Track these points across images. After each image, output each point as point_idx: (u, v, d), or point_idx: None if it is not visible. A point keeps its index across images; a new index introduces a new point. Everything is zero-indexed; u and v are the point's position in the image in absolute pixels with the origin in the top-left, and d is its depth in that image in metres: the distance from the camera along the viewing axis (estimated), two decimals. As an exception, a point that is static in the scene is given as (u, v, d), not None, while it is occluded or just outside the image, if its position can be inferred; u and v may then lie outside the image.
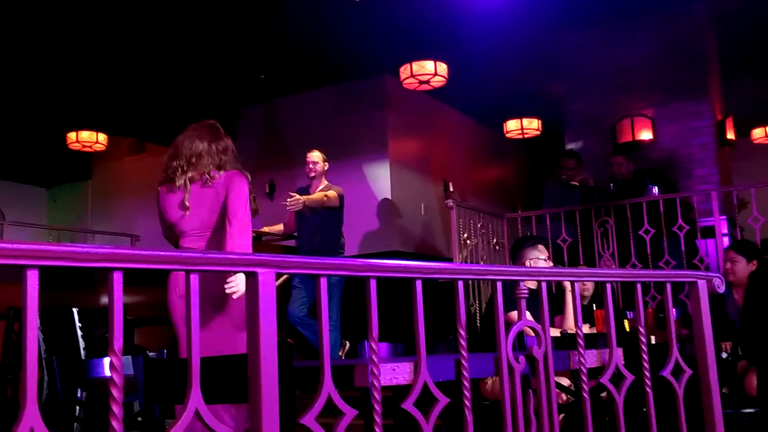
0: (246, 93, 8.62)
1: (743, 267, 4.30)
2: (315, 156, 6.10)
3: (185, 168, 3.32)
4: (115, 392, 1.13)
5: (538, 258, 4.02)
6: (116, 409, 1.13)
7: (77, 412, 3.66)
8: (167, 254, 1.20)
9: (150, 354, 2.51)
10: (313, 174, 6.08)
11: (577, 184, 6.73)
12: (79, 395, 3.62)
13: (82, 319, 4.34)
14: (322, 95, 8.57)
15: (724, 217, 6.22)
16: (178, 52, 7.24)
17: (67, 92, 7.83)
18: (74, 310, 4.33)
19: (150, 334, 5.87)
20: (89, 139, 8.50)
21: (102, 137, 8.59)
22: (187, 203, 3.28)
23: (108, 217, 10.37)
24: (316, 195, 5.91)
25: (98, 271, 1.14)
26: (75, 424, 3.21)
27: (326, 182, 6.14)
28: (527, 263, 3.97)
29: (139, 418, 2.30)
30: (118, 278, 1.17)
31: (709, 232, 6.06)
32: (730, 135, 7.31)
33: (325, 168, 6.13)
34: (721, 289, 2.32)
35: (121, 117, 8.54)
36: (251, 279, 1.33)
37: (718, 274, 2.34)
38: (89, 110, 8.25)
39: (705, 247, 6.19)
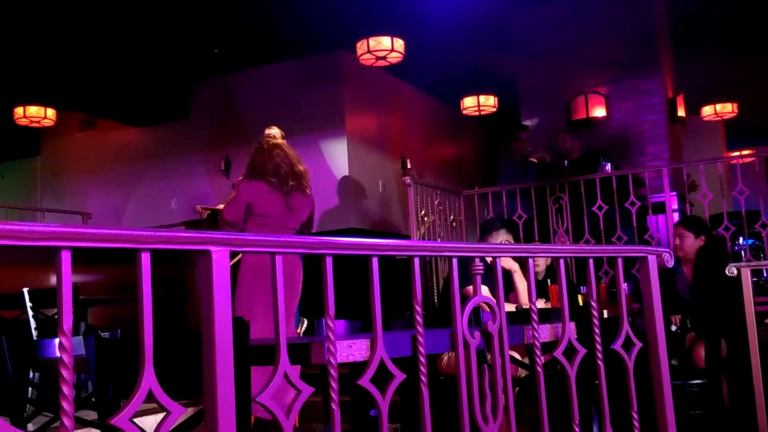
0: (199, 67, 8.47)
1: (691, 243, 4.39)
2: (272, 132, 6.00)
3: (292, 177, 4.33)
4: (65, 373, 1.11)
5: (509, 241, 4.10)
6: (66, 389, 1.11)
7: (29, 393, 3.60)
8: (116, 232, 1.18)
9: (104, 334, 2.47)
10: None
11: (535, 161, 6.80)
12: (31, 376, 3.56)
13: (33, 299, 4.25)
14: (278, 70, 8.47)
15: (675, 193, 6.36)
16: (129, 25, 7.06)
17: (13, 66, 7.58)
18: (25, 290, 4.24)
19: (104, 314, 5.78)
20: (37, 114, 8.26)
21: (51, 112, 8.35)
22: (293, 206, 4.30)
23: (58, 194, 10.12)
24: None
25: (45, 250, 1.11)
26: (27, 405, 3.16)
27: None
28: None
29: (93, 399, 2.27)
30: (66, 257, 1.14)
31: (660, 208, 6.19)
32: (681, 113, 7.46)
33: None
34: (671, 263, 2.37)
35: (71, 91, 8.31)
36: (205, 257, 1.32)
37: (667, 249, 2.39)
38: (37, 84, 8.01)
39: (656, 222, 6.32)
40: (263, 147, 4.47)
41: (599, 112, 7.30)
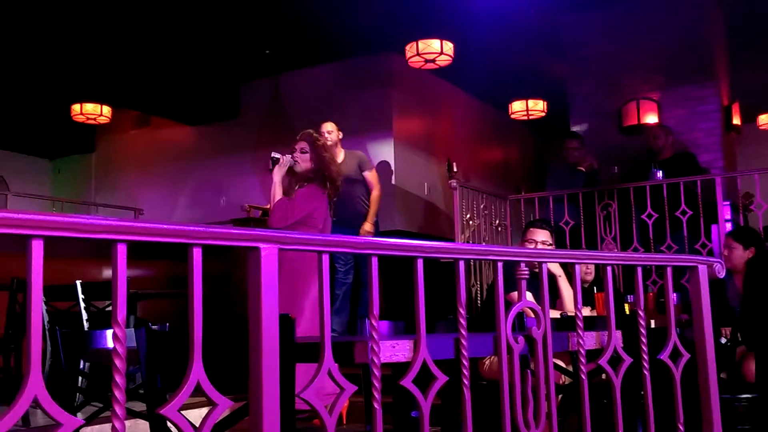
0: (250, 67, 8.59)
1: (740, 254, 4.30)
2: (328, 126, 6.25)
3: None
4: (118, 362, 1.14)
5: (532, 240, 4.04)
6: (119, 378, 1.14)
7: (80, 382, 3.70)
8: (171, 227, 1.21)
9: (153, 327, 2.53)
10: (329, 143, 6.21)
11: (584, 169, 6.70)
12: (81, 366, 3.66)
13: (85, 291, 4.37)
14: (327, 72, 8.54)
15: (728, 202, 6.21)
16: (184, 26, 7.20)
17: (72, 64, 7.80)
18: (78, 282, 4.36)
19: (153, 308, 5.90)
20: (93, 112, 8.49)
21: (106, 110, 8.57)
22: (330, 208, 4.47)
23: (111, 190, 10.38)
24: (372, 210, 6.19)
25: (102, 242, 1.15)
26: (77, 394, 3.25)
27: (344, 150, 6.34)
28: (527, 243, 4.01)
29: (141, 391, 2.32)
30: (121, 250, 1.17)
31: (713, 218, 6.05)
32: (736, 120, 7.27)
33: (340, 137, 6.31)
34: (722, 274, 2.32)
35: (126, 90, 8.53)
36: (254, 254, 1.34)
37: (718, 260, 2.34)
38: (94, 82, 8.24)
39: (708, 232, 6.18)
40: (326, 145, 4.58)
41: (651, 118, 7.16)
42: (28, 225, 1.06)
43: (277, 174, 4.40)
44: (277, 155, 4.47)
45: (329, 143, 6.23)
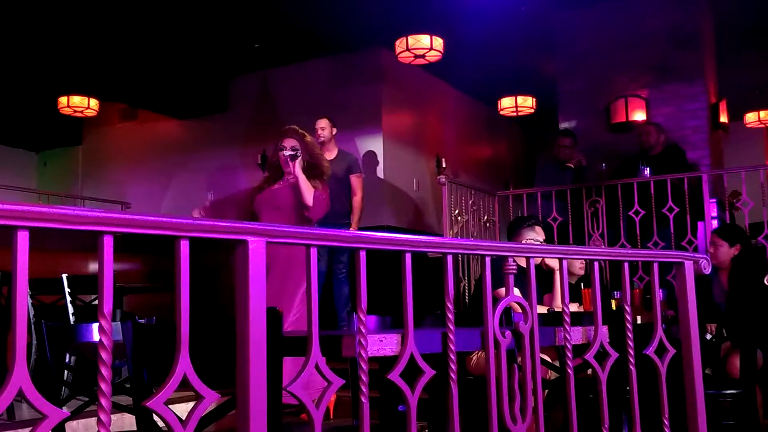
0: (239, 62, 8.56)
1: (725, 251, 4.33)
2: (322, 122, 6.22)
3: None
4: (104, 354, 1.13)
5: (536, 239, 4.04)
6: (105, 371, 1.14)
7: (65, 376, 3.68)
8: (158, 219, 1.20)
9: (140, 320, 2.52)
10: (321, 140, 6.18)
11: (572, 166, 6.73)
12: (67, 360, 3.64)
13: (71, 285, 4.34)
14: (317, 67, 8.51)
15: (714, 200, 6.25)
16: (173, 18, 7.16)
17: (59, 56, 7.74)
18: (64, 275, 4.33)
19: (139, 302, 5.87)
20: (80, 104, 8.43)
21: (93, 102, 8.51)
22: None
23: (98, 183, 10.31)
24: (356, 218, 6.17)
25: (89, 234, 1.14)
26: (63, 388, 3.23)
27: (338, 149, 6.29)
28: (530, 241, 4.00)
29: (127, 385, 2.31)
30: (108, 242, 1.17)
31: (700, 215, 6.09)
32: (723, 118, 7.32)
33: (334, 133, 6.25)
34: (707, 270, 2.34)
35: (114, 83, 8.47)
36: (241, 247, 1.34)
37: (705, 256, 2.36)
38: (81, 75, 8.17)
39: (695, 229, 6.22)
40: (315, 141, 4.65)
41: (639, 116, 7.20)
42: (13, 216, 1.05)
43: (299, 168, 4.36)
44: (289, 152, 4.42)
45: (320, 140, 6.20)
